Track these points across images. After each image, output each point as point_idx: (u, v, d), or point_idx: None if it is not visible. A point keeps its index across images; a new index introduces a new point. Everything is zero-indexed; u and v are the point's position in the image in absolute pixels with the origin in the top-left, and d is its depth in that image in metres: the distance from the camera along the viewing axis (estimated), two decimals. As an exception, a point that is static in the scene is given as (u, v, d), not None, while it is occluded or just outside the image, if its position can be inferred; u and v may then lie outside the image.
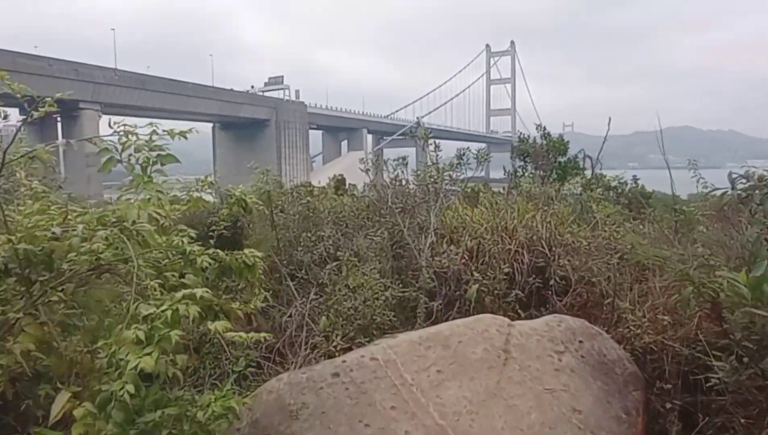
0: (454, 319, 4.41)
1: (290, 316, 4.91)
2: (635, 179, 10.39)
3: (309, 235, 6.40)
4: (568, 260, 5.16)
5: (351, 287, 4.57)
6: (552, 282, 5.36)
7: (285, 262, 5.91)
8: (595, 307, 4.85)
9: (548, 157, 10.07)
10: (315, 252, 5.90)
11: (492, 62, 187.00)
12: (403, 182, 6.37)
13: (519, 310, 5.03)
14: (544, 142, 10.71)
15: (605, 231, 6.07)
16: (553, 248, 5.48)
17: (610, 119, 7.69)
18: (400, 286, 4.83)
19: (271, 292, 4.81)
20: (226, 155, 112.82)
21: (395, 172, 6.45)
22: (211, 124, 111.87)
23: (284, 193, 8.02)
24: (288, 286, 5.34)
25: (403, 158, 6.80)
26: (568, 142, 11.28)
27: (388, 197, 5.63)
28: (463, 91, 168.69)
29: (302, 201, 7.36)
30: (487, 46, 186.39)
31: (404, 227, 5.27)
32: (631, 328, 4.06)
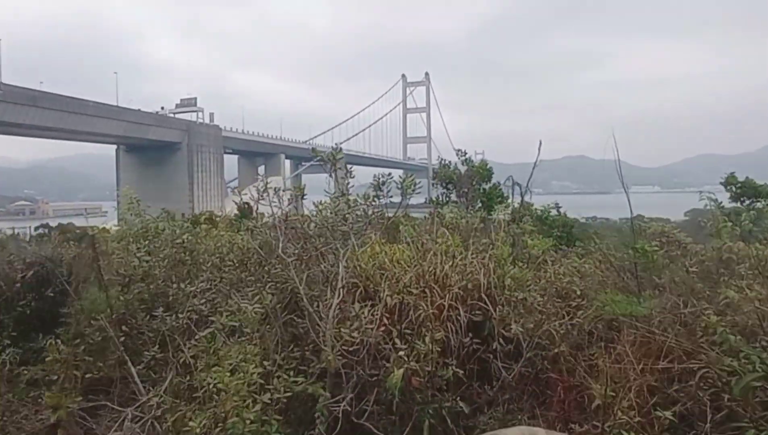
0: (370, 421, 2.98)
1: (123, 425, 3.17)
2: (557, 207, 9.80)
3: (179, 287, 4.71)
4: (516, 320, 3.98)
5: (210, 389, 2.97)
6: (495, 345, 4.17)
7: (135, 331, 4.16)
8: (553, 383, 3.68)
9: (472, 183, 9.17)
10: (181, 315, 4.21)
11: (408, 92, 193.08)
12: (302, 220, 4.85)
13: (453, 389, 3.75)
14: (466, 167, 9.90)
15: (548, 272, 5.08)
16: (496, 300, 4.31)
17: (540, 142, 6.83)
18: (293, 372, 3.31)
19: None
20: (131, 180, 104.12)
21: (288, 206, 4.95)
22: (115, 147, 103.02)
23: (156, 232, 6.08)
24: (129, 373, 3.59)
25: (301, 188, 5.38)
26: (491, 167, 10.38)
27: (279, 243, 4.11)
28: (381, 118, 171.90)
29: (176, 240, 5.60)
30: (403, 76, 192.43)
31: (300, 284, 3.76)
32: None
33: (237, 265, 4.79)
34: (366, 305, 3.77)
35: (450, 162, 10.30)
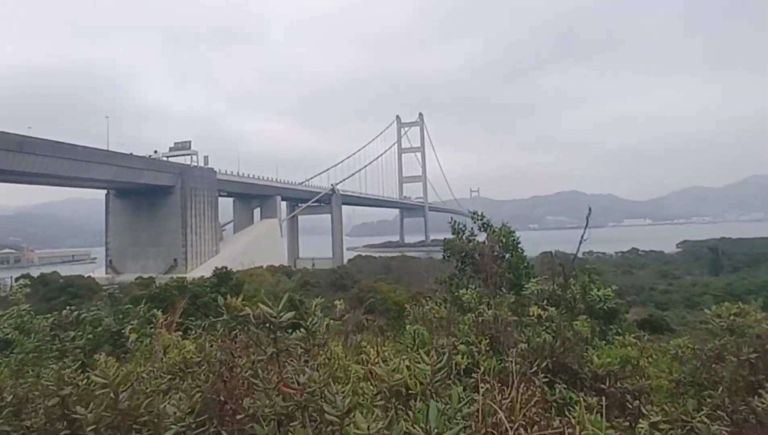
0: None
1: None
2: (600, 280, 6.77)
3: None
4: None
5: None
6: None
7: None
8: None
9: (500, 261, 6.79)
10: None
11: (402, 132, 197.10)
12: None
13: None
14: (486, 235, 7.71)
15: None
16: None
17: (590, 210, 5.36)
18: None
19: None
20: (122, 225, 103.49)
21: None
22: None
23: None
24: None
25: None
26: (515, 232, 8.13)
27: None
28: (377, 159, 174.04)
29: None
30: (398, 117, 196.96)
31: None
32: None
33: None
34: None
35: (464, 226, 8.07)
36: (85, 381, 3.17)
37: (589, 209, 5.18)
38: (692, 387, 3.69)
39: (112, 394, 2.41)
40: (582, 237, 5.29)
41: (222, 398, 2.55)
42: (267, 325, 2.44)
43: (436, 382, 2.38)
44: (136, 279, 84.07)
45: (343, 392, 2.16)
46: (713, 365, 3.66)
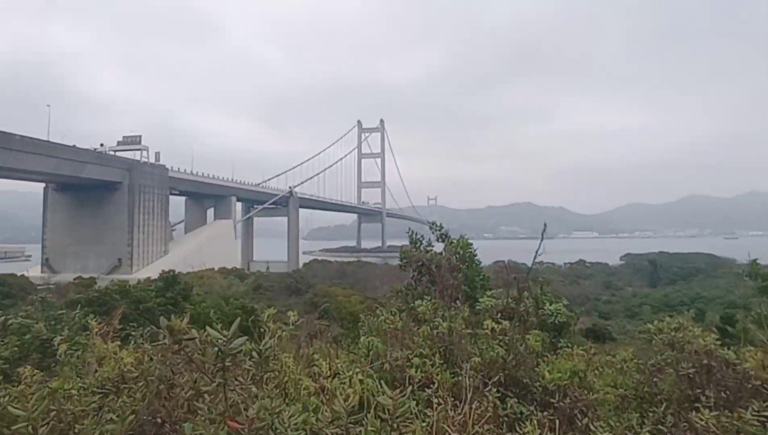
0: None
1: None
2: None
3: None
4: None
5: None
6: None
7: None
8: None
9: (459, 273, 6.61)
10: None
11: (363, 137, 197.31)
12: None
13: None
14: (444, 246, 7.53)
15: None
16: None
17: (545, 226, 5.43)
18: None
19: None
20: (61, 221, 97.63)
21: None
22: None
23: None
24: None
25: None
26: (472, 244, 7.93)
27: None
28: (336, 163, 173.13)
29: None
30: (359, 122, 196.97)
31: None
32: None
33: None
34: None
35: (421, 237, 7.86)
36: (6, 398, 2.87)
37: (545, 225, 5.31)
38: (635, 400, 3.82)
39: (30, 429, 2.15)
40: (537, 251, 5.42)
41: (159, 420, 2.36)
42: (215, 351, 2.25)
43: (397, 417, 2.27)
44: (75, 279, 79.46)
45: (295, 425, 2.03)
46: (655, 379, 3.79)
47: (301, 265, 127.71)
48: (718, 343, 4.01)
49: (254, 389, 2.40)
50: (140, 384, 3.10)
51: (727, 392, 3.38)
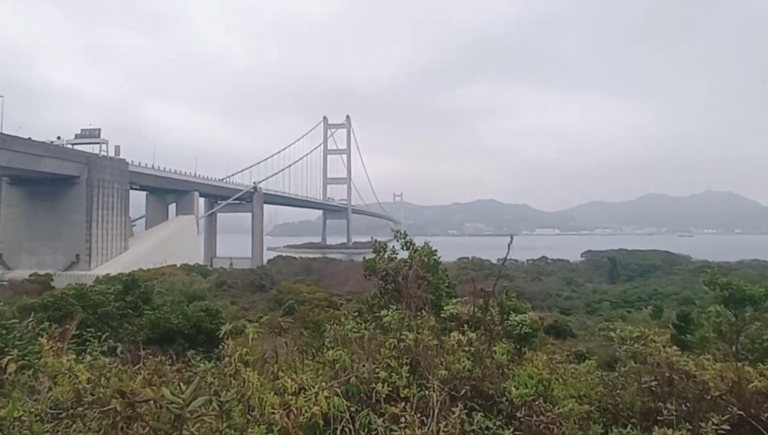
0: None
1: None
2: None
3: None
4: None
5: None
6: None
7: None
8: None
9: (422, 281, 6.39)
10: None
11: (329, 133, 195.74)
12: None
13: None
14: (408, 254, 7.34)
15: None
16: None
17: (512, 239, 5.56)
18: None
19: None
20: (16, 216, 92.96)
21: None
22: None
23: None
24: None
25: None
26: (436, 251, 7.76)
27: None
28: (301, 158, 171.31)
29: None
30: (325, 118, 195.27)
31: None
32: None
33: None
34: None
35: (385, 244, 7.69)
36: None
37: (511, 238, 5.38)
38: (599, 412, 3.92)
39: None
40: (506, 256, 5.51)
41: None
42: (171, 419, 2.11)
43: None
44: (30, 275, 75.95)
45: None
46: (617, 392, 3.91)
47: (265, 261, 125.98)
48: (679, 353, 4.16)
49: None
50: (95, 411, 2.95)
51: (688, 405, 3.52)
